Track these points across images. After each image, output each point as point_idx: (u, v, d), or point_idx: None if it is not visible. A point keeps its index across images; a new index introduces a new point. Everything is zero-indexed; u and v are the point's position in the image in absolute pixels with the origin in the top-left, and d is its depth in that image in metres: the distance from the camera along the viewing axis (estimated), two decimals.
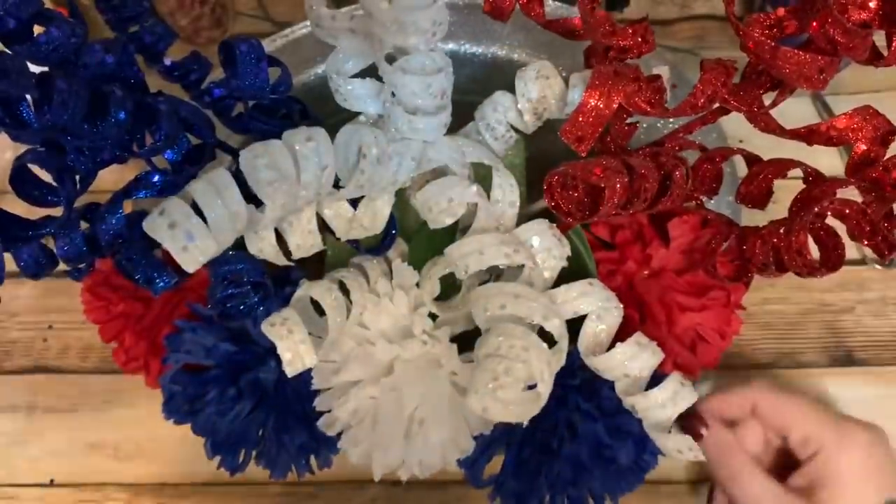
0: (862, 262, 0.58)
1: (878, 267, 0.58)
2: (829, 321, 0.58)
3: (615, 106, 0.30)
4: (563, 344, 0.31)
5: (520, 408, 0.29)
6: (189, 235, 0.27)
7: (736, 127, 0.48)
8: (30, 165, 0.31)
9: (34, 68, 0.29)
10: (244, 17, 0.73)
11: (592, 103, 0.30)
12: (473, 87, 0.47)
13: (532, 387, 0.30)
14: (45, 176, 0.32)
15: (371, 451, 0.40)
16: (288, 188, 0.28)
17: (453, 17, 0.53)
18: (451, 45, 0.54)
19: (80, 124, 0.29)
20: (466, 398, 0.29)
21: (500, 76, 0.51)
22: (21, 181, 0.31)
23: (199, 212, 0.28)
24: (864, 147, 0.31)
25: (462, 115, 0.39)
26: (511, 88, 0.39)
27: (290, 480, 0.47)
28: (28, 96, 0.27)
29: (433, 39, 0.29)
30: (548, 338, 0.31)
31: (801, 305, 0.58)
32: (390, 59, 0.31)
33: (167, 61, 0.39)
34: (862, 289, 0.58)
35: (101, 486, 0.58)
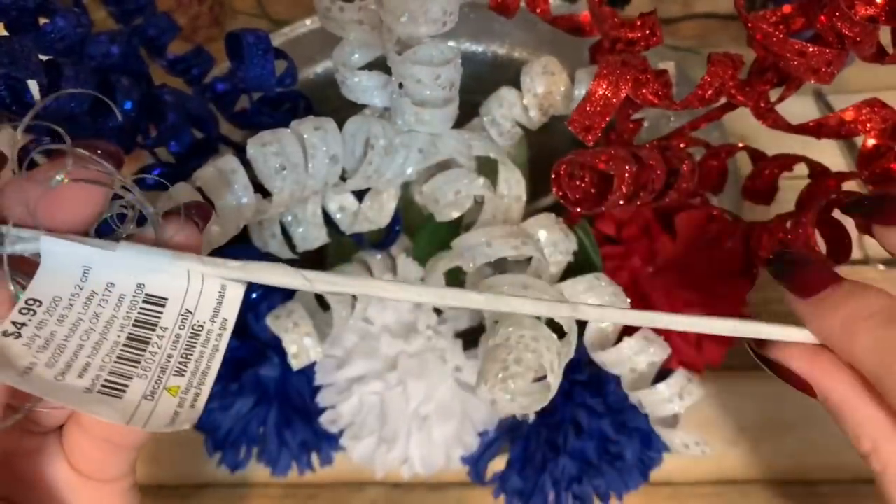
0: (865, 262, 0.58)
1: (881, 267, 0.58)
2: None
3: (623, 95, 0.30)
4: (572, 336, 0.31)
5: (529, 399, 0.29)
6: None
7: (738, 125, 0.48)
8: (34, 156, 0.31)
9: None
10: (242, 16, 0.73)
11: (601, 92, 0.30)
12: (474, 85, 0.47)
13: (540, 379, 0.30)
14: None
15: (374, 448, 0.40)
16: (296, 177, 0.28)
17: None
18: (451, 44, 0.54)
19: (85, 113, 0.28)
20: (475, 389, 0.29)
21: (501, 74, 0.51)
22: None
23: (205, 199, 0.27)
24: (873, 141, 0.31)
25: (462, 113, 0.39)
26: (512, 86, 0.39)
27: (290, 482, 0.47)
28: (35, 83, 0.27)
29: (444, 29, 0.29)
30: (556, 330, 0.31)
31: None
32: (399, 51, 0.31)
33: (170, 55, 0.39)
34: None
35: None
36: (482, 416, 0.40)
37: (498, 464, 0.43)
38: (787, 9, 0.32)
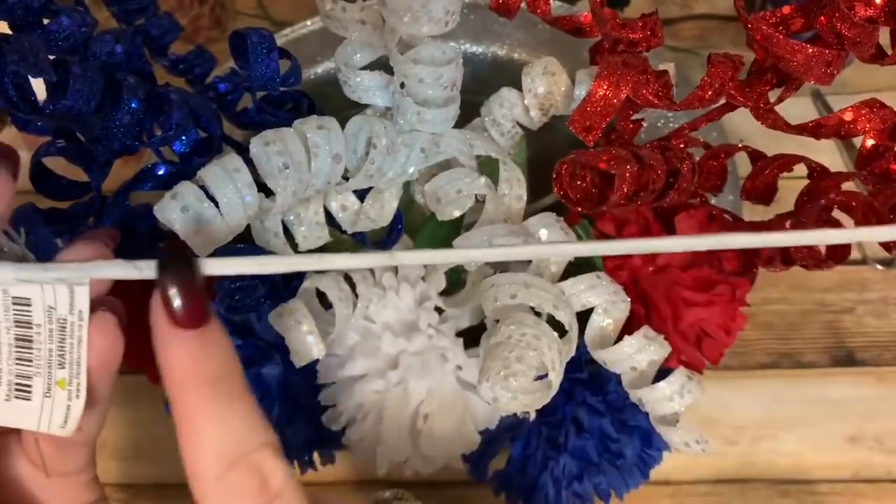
0: (863, 262, 0.58)
1: (878, 267, 0.58)
2: (830, 321, 0.58)
3: (623, 96, 0.30)
4: (574, 334, 0.31)
5: (530, 397, 0.29)
6: (200, 220, 0.27)
7: (737, 126, 0.48)
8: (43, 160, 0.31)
9: None
10: (244, 17, 0.73)
11: (601, 93, 0.30)
12: (474, 86, 0.48)
13: (541, 377, 0.30)
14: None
15: (375, 446, 0.40)
16: (299, 176, 0.29)
17: None
18: (451, 45, 0.54)
19: (92, 112, 0.28)
20: (477, 387, 0.29)
21: (501, 75, 0.52)
22: (41, 177, 0.31)
23: (209, 198, 0.28)
24: (872, 141, 0.31)
25: (463, 113, 0.39)
26: (513, 87, 0.39)
27: None
28: (41, 81, 0.27)
29: (446, 28, 0.29)
30: (557, 328, 0.31)
31: (801, 305, 0.59)
32: (401, 51, 0.31)
33: (172, 55, 0.39)
34: (863, 289, 0.59)
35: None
36: (483, 415, 0.40)
37: (498, 462, 0.43)
38: (786, 10, 0.33)
